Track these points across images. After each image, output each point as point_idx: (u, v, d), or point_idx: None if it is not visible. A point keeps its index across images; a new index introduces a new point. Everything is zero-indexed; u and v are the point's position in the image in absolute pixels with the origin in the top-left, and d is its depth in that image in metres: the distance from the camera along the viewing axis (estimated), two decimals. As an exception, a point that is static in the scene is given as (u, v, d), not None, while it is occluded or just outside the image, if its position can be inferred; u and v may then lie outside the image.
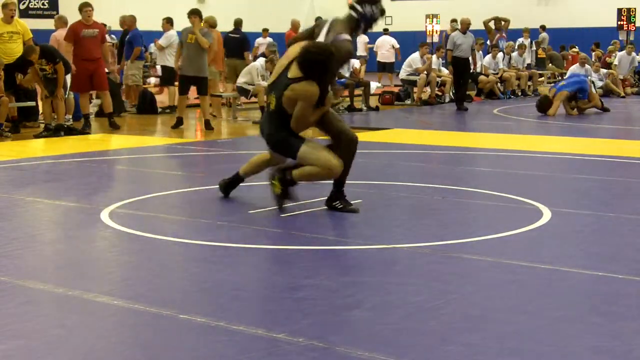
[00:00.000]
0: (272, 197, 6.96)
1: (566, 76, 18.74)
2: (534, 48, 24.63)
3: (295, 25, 20.35)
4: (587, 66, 20.08)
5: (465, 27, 18.06)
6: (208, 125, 14.13)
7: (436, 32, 29.68)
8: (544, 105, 16.38)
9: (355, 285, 4.89)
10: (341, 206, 6.99)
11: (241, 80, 16.09)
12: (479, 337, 4.04)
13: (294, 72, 6.70)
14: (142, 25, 18.57)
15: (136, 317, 4.38)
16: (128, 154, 10.98)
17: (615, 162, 9.64)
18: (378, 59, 25.78)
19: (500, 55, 21.35)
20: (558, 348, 3.89)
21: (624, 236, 6.09)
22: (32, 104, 14.32)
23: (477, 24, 23.93)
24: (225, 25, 19.27)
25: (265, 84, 15.57)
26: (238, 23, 19.06)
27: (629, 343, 3.96)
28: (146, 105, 17.02)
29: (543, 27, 28.59)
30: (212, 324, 4.17)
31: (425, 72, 18.96)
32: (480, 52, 20.71)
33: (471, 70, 18.91)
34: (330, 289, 4.83)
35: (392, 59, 25.68)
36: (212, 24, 16.62)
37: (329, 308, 4.47)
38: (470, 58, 18.08)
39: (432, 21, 30.28)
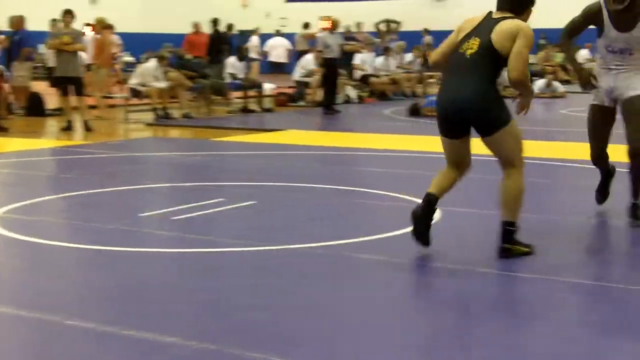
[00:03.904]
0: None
1: None
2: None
3: (197, 27, 20.10)
4: None
5: (334, 27, 18.03)
6: (87, 126, 13.90)
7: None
8: (415, 111, 16.53)
9: (249, 286, 4.87)
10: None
11: (134, 81, 15.88)
12: (373, 335, 4.07)
13: (498, 14, 5.49)
14: (32, 26, 18.14)
15: (23, 324, 4.27)
16: (16, 157, 10.69)
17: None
18: (271, 59, 25.74)
19: (392, 56, 21.60)
20: (449, 342, 3.95)
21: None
22: None
23: (368, 26, 24.20)
24: (118, 26, 19.07)
25: (159, 85, 15.39)
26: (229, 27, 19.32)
27: (523, 338, 4.04)
28: (35, 107, 16.62)
29: (427, 31, 28.79)
30: (102, 330, 4.09)
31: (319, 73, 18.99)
32: (373, 53, 20.89)
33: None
34: (224, 291, 4.79)
35: (285, 60, 25.68)
36: (104, 25, 16.41)
37: (223, 310, 4.44)
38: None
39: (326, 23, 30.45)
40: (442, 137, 5.59)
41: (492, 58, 5.33)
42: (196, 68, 17.14)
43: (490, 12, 5.53)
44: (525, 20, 5.48)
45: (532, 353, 3.85)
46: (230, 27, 20.99)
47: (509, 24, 5.33)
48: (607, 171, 6.90)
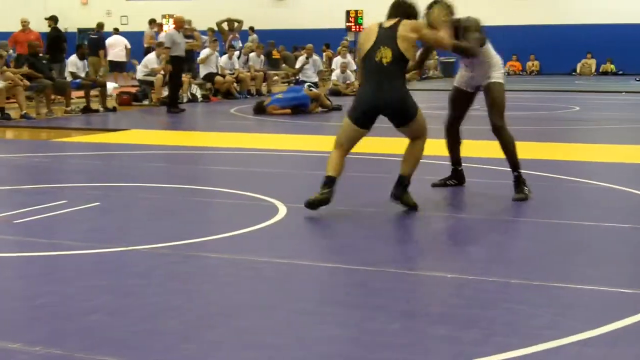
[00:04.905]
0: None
1: (285, 90, 18.85)
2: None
3: (24, 24, 19.52)
4: (315, 57, 22.37)
5: (180, 25, 17.93)
6: None
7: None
8: (260, 109, 16.63)
9: (94, 289, 4.83)
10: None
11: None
12: (218, 334, 4.12)
13: (389, 22, 6.84)
14: None
15: None
16: None
17: (349, 158, 10.04)
18: (110, 58, 25.17)
19: (236, 55, 21.63)
20: (295, 339, 4.05)
21: (355, 229, 6.38)
22: None
23: (208, 24, 24.10)
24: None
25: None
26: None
27: (358, 330, 4.18)
28: None
29: (252, 29, 28.86)
30: (-59, 339, 3.99)
31: (162, 72, 18.83)
32: (217, 52, 20.87)
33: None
34: (68, 294, 4.74)
35: (125, 59, 25.20)
36: None
37: (67, 314, 4.40)
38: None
39: (169, 21, 30.19)
40: (354, 127, 6.88)
41: (403, 62, 6.75)
42: (43, 68, 16.69)
43: (381, 23, 6.82)
44: None
45: (362, 341, 3.99)
46: (100, 25, 20.58)
47: (406, 32, 6.69)
48: (455, 171, 8.03)
